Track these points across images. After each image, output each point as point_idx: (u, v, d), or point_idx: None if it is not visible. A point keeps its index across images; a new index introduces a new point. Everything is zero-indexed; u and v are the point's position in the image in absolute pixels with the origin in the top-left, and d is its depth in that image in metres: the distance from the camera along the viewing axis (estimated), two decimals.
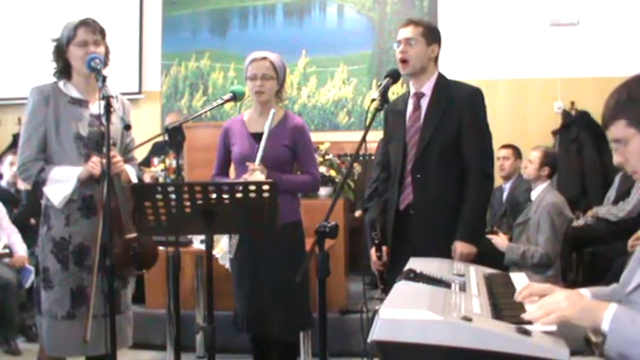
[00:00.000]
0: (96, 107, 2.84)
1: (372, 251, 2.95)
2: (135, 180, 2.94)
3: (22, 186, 5.02)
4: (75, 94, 2.83)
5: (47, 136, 2.78)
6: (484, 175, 2.79)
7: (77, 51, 2.76)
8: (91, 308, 2.72)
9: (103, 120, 2.79)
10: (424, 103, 2.85)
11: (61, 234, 2.78)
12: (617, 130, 1.58)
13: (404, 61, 2.80)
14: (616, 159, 1.64)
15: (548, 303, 1.56)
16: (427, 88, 2.85)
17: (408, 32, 2.81)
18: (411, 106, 2.88)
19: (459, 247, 2.72)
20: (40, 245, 2.84)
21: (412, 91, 2.89)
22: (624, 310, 1.47)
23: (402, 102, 2.95)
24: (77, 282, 2.76)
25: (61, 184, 2.74)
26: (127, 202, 2.78)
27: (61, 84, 2.84)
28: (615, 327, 1.43)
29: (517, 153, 5.03)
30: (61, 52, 2.82)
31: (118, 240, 2.73)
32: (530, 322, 1.50)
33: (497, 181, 4.88)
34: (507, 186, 5.02)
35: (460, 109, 2.78)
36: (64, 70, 2.84)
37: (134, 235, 2.80)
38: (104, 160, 2.70)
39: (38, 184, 2.78)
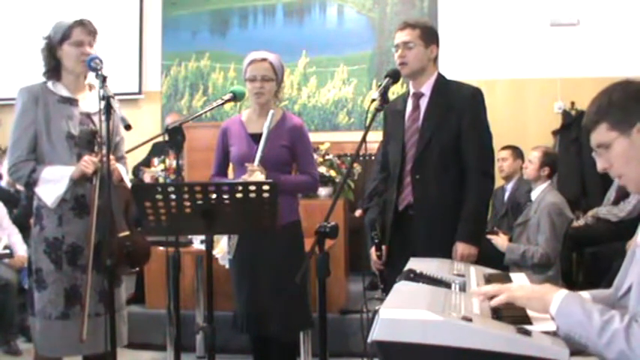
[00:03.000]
0: (85, 104, 2.83)
1: (372, 250, 2.95)
2: (126, 179, 2.93)
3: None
4: (64, 92, 2.80)
5: (38, 136, 2.75)
6: (484, 175, 2.78)
7: (72, 50, 2.75)
8: (87, 308, 2.71)
9: (95, 119, 2.81)
10: (423, 103, 2.84)
11: (54, 234, 2.76)
12: (600, 134, 1.58)
13: (403, 64, 2.79)
14: (600, 165, 1.63)
15: (501, 286, 1.67)
16: (426, 88, 2.84)
17: (405, 36, 2.79)
18: (410, 106, 2.87)
19: (460, 248, 2.71)
20: (32, 246, 2.82)
21: (411, 91, 2.89)
22: (576, 296, 1.51)
23: (401, 102, 2.94)
24: (71, 282, 2.75)
25: (53, 184, 2.72)
26: (119, 201, 2.78)
27: (49, 84, 2.81)
28: (563, 310, 1.48)
29: (516, 154, 5.01)
30: (52, 51, 2.79)
31: (110, 238, 2.73)
32: (499, 314, 1.52)
33: (499, 181, 4.89)
34: (509, 186, 5.01)
35: (460, 110, 2.76)
36: (55, 70, 2.81)
37: (126, 233, 2.81)
38: (95, 159, 2.70)
39: (30, 184, 2.75)
